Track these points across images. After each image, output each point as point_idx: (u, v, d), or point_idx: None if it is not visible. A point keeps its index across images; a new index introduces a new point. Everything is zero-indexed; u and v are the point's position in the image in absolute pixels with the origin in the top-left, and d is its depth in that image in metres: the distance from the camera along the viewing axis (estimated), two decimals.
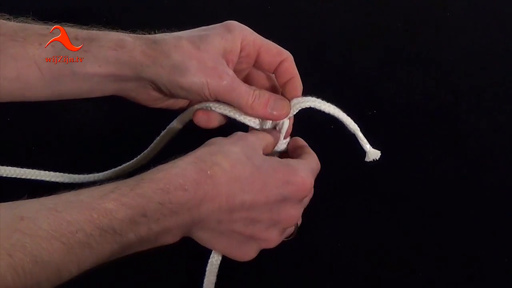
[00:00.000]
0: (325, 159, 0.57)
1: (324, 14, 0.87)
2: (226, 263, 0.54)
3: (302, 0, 0.89)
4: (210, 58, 0.52)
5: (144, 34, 0.55)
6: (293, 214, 0.52)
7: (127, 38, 0.53)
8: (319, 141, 0.59)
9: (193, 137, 0.57)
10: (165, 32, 0.55)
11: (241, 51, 0.55)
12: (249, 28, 0.56)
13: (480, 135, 0.72)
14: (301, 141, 0.58)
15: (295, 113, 0.56)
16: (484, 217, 0.64)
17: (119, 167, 0.63)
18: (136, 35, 0.54)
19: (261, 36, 0.56)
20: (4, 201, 0.43)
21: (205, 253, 0.54)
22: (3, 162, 0.64)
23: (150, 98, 0.56)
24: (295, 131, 0.59)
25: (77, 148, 0.69)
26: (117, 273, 0.48)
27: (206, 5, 0.87)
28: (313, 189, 0.53)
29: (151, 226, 0.44)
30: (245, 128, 0.56)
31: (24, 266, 0.38)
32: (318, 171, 0.55)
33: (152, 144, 0.61)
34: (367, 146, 0.57)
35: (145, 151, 0.61)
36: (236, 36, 0.54)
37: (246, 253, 0.52)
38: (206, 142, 0.51)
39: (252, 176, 0.48)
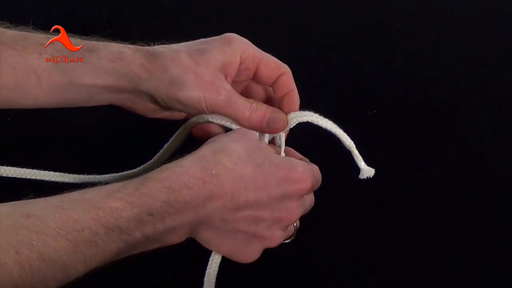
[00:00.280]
0: (325, 159, 0.58)
1: (324, 14, 0.87)
2: (226, 264, 0.54)
3: (302, 0, 0.89)
4: (208, 73, 0.52)
5: (144, 45, 0.56)
6: (294, 211, 0.52)
7: (126, 50, 0.53)
8: (319, 141, 0.59)
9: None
10: (164, 43, 0.56)
11: (240, 64, 0.55)
12: (248, 41, 0.56)
13: (480, 135, 0.72)
14: (299, 156, 0.58)
15: (291, 126, 0.56)
16: (484, 217, 0.64)
17: (121, 173, 0.63)
18: (135, 46, 0.54)
19: (260, 50, 0.56)
20: (4, 201, 0.43)
21: (205, 254, 0.54)
22: (3, 162, 0.64)
23: (147, 109, 0.57)
24: (295, 131, 0.59)
25: (77, 148, 0.69)
26: (117, 273, 0.48)
27: (206, 5, 0.87)
28: (312, 192, 0.54)
29: (157, 225, 0.45)
30: None
31: (31, 263, 0.38)
32: (318, 179, 0.55)
33: (152, 160, 0.61)
34: (361, 163, 0.58)
35: (145, 165, 0.62)
36: (236, 50, 0.54)
37: (250, 253, 0.52)
38: (209, 140, 0.52)
39: (254, 175, 0.49)
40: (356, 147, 0.58)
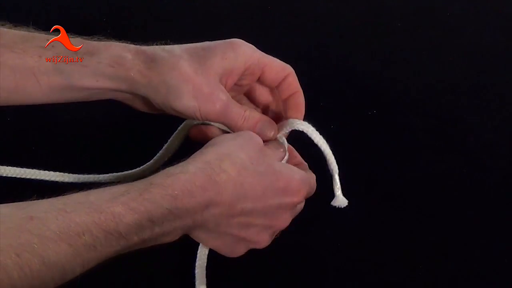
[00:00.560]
0: (324, 159, 0.57)
1: (324, 14, 0.87)
2: (217, 258, 0.55)
3: (302, 0, 0.89)
4: (207, 83, 0.52)
5: (147, 45, 0.55)
6: (286, 219, 0.53)
7: (126, 55, 0.53)
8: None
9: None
10: (167, 43, 0.55)
11: (245, 70, 0.55)
12: (253, 46, 0.56)
13: (480, 135, 0.72)
14: (299, 159, 0.58)
15: (283, 133, 0.57)
16: (484, 217, 0.64)
17: (121, 173, 0.63)
18: (137, 49, 0.54)
19: (264, 54, 0.56)
20: (4, 201, 0.43)
21: (193, 246, 0.55)
22: (3, 162, 0.64)
23: (145, 109, 0.57)
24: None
25: (77, 148, 0.69)
26: (108, 265, 0.48)
27: (206, 5, 0.87)
28: (304, 200, 0.54)
29: (155, 230, 0.45)
30: None
31: (31, 266, 0.39)
32: (313, 188, 0.56)
33: (151, 161, 0.61)
34: (338, 191, 0.58)
35: (145, 165, 0.62)
36: (239, 56, 0.55)
37: (235, 251, 0.54)
38: (213, 142, 0.52)
39: (254, 184, 0.50)
40: (356, 147, 0.58)
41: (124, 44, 0.54)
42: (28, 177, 0.64)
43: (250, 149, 0.51)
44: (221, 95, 0.53)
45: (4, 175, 0.63)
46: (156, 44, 0.55)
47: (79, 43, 0.53)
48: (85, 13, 0.84)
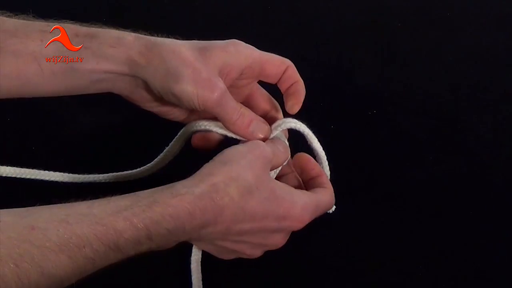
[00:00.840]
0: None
1: (324, 14, 0.87)
2: (226, 263, 0.55)
3: (302, 0, 0.89)
4: (206, 69, 0.52)
5: (147, 35, 0.56)
6: (281, 241, 0.54)
7: (127, 36, 0.53)
8: (319, 141, 0.59)
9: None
10: (169, 37, 0.56)
11: (246, 67, 0.55)
12: (252, 47, 0.56)
13: (480, 135, 0.72)
14: (318, 171, 0.58)
15: (274, 135, 0.57)
16: (484, 217, 0.64)
17: (121, 173, 0.63)
18: (137, 34, 0.54)
19: (263, 52, 0.57)
20: (3, 201, 0.43)
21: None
22: (3, 162, 0.64)
23: (144, 99, 0.56)
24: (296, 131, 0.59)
25: (77, 148, 0.69)
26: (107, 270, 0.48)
27: (206, 5, 0.87)
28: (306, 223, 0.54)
29: (151, 245, 0.46)
30: None
31: (30, 276, 0.39)
32: (326, 210, 0.56)
33: (152, 163, 0.62)
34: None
35: (145, 166, 0.62)
36: (240, 52, 0.55)
37: (226, 257, 0.55)
38: (225, 157, 0.51)
39: (256, 208, 0.50)
40: (356, 147, 0.58)
41: (124, 31, 0.55)
42: (28, 177, 0.64)
43: (258, 168, 0.51)
44: (220, 83, 0.53)
45: (4, 175, 0.63)
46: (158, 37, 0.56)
47: (79, 38, 0.53)
48: (85, 13, 0.84)
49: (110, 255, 0.43)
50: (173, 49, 0.53)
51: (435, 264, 0.60)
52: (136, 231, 0.44)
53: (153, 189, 0.47)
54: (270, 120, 0.58)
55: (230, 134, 0.56)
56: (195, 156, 0.58)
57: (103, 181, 0.63)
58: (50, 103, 0.62)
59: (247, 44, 0.56)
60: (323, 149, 0.59)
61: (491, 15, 0.87)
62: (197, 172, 0.49)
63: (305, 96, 0.58)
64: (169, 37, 0.55)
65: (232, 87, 0.56)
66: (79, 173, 0.63)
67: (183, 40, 0.55)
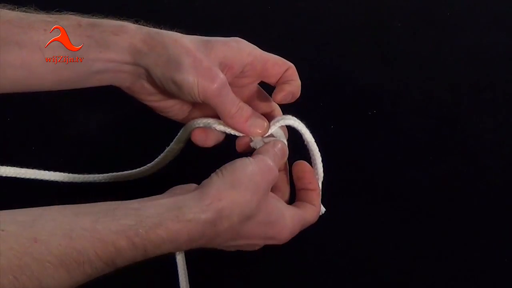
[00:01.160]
0: (325, 159, 0.57)
1: (324, 14, 0.87)
2: (226, 264, 0.55)
3: (302, 0, 0.89)
4: (207, 60, 0.53)
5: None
6: (258, 248, 0.55)
7: (130, 25, 0.54)
8: (319, 141, 0.59)
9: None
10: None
11: (248, 65, 0.56)
12: (254, 45, 0.57)
13: (480, 135, 0.72)
14: (314, 186, 0.57)
15: (271, 131, 0.56)
16: (484, 217, 0.64)
17: (121, 173, 0.63)
18: (140, 25, 0.55)
19: (265, 52, 0.57)
20: (3, 201, 0.43)
21: None
22: (3, 162, 0.64)
23: (145, 91, 0.56)
24: (295, 130, 0.59)
25: (77, 148, 0.69)
26: None
27: (206, 5, 0.87)
28: None
29: (145, 259, 0.46)
30: None
31: None
32: (310, 224, 0.56)
33: (152, 163, 0.61)
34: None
35: (145, 166, 0.62)
36: (242, 48, 0.55)
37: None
38: (235, 176, 0.50)
39: (250, 231, 0.51)
40: (356, 147, 0.58)
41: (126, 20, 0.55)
42: (28, 177, 0.64)
43: (263, 192, 0.51)
44: (220, 74, 0.53)
45: (4, 175, 0.63)
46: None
47: (82, 28, 0.53)
48: (85, 13, 0.84)
49: (105, 270, 0.44)
50: (175, 38, 0.53)
51: (435, 264, 0.60)
52: (135, 251, 0.44)
53: (160, 205, 0.46)
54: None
55: (229, 131, 0.56)
56: (195, 156, 0.58)
57: (103, 181, 0.63)
58: (51, 103, 0.62)
59: (250, 43, 0.56)
60: (323, 149, 0.59)
61: (491, 15, 0.87)
62: (206, 191, 0.48)
63: (305, 96, 0.58)
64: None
65: (233, 86, 0.56)
66: (79, 173, 0.63)
67: None
